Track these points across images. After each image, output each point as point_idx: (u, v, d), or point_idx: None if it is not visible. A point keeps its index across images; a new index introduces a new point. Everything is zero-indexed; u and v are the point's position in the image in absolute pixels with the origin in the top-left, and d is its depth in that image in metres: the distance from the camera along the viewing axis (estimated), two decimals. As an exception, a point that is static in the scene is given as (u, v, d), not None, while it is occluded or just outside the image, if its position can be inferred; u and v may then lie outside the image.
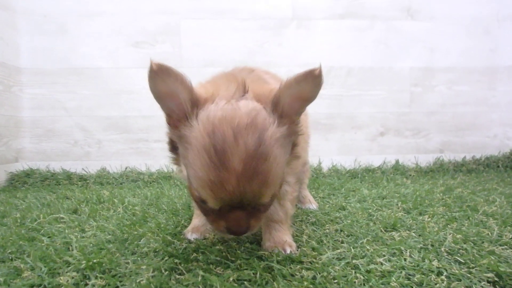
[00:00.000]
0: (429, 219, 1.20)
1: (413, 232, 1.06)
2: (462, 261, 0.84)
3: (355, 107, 2.40)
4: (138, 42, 2.25)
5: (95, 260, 0.84)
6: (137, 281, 0.76)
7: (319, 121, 2.36)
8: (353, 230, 1.09)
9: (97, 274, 0.80)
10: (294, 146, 0.85)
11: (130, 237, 1.05)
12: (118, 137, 2.28)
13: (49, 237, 1.06)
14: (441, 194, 1.57)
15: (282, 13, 2.32)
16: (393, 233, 1.05)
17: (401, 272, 0.79)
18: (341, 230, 1.10)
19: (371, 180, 2.02)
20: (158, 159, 2.28)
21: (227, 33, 2.30)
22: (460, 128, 2.50)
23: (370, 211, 1.32)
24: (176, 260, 0.87)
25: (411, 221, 1.17)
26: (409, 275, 0.78)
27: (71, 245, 0.98)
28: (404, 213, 1.29)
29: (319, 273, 0.78)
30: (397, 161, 2.40)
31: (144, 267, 0.83)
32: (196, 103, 0.74)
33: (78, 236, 1.06)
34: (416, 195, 1.56)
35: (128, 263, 0.86)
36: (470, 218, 1.19)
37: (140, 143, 2.30)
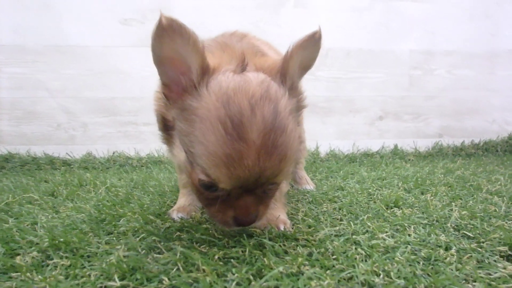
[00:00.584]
0: (432, 197, 1.14)
1: (416, 209, 1.00)
2: (471, 235, 0.78)
3: (353, 90, 2.32)
4: (126, 19, 2.13)
5: (61, 239, 0.75)
6: (108, 260, 0.66)
7: (317, 104, 2.27)
8: (353, 208, 1.02)
9: (62, 254, 0.70)
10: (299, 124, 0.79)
11: (108, 217, 0.96)
12: (105, 120, 2.17)
13: (16, 218, 0.96)
14: (442, 176, 1.51)
15: (279, -9, 2.21)
16: (395, 210, 0.98)
17: (406, 247, 0.72)
18: (339, 209, 1.02)
19: (370, 164, 1.95)
20: (148, 143, 2.17)
21: (222, 11, 2.19)
22: (459, 112, 2.45)
23: (369, 190, 1.24)
24: (155, 239, 0.77)
25: (413, 199, 1.10)
26: (415, 250, 0.72)
27: (38, 225, 0.88)
28: (405, 192, 1.23)
29: (316, 250, 0.70)
30: (395, 146, 2.33)
31: (119, 246, 0.74)
32: (206, 71, 0.67)
33: (49, 217, 0.96)
34: (416, 176, 1.49)
35: (100, 243, 0.77)
36: (475, 196, 1.12)
37: (129, 126, 2.19)
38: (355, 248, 0.71)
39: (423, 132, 2.41)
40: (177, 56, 0.65)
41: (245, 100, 0.63)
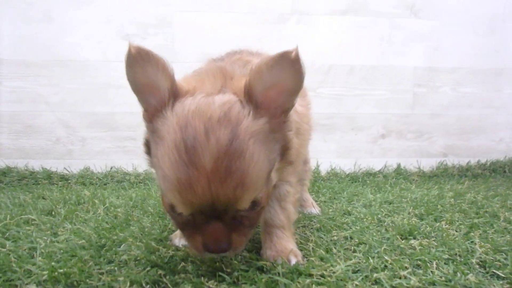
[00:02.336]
0: (447, 225, 1.08)
1: (433, 240, 0.95)
2: (501, 275, 0.72)
3: (356, 107, 2.29)
4: (128, 35, 2.11)
5: (61, 270, 0.70)
6: (109, 297, 0.62)
7: (318, 121, 2.24)
8: (365, 237, 0.97)
9: (62, 288, 0.66)
10: (286, 150, 0.74)
11: (109, 242, 0.92)
12: (103, 134, 2.13)
13: (13, 241, 0.92)
14: (453, 200, 1.45)
15: (281, 7, 2.20)
16: (412, 241, 0.93)
17: None
18: (350, 237, 0.98)
19: (373, 184, 1.91)
20: (146, 159, 2.12)
21: (223, 27, 2.17)
22: (464, 131, 2.40)
23: (379, 216, 1.20)
24: (160, 271, 0.73)
25: (428, 228, 1.05)
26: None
27: (37, 251, 0.83)
28: (418, 219, 1.17)
29: (336, 291, 0.65)
30: (398, 165, 2.29)
31: (121, 278, 0.70)
32: (175, 94, 0.66)
33: (48, 241, 0.92)
34: (425, 200, 1.44)
35: (102, 273, 0.72)
36: (493, 225, 1.07)
37: (127, 141, 2.15)
38: (378, 289, 0.66)
39: (427, 151, 2.37)
40: (150, 83, 0.66)
41: (201, 123, 0.62)
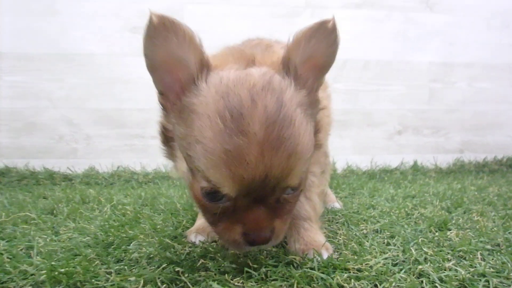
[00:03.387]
0: (479, 217, 1.00)
1: (469, 231, 0.86)
2: None
3: (371, 103, 2.23)
4: (136, 27, 2.04)
5: (62, 270, 0.61)
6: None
7: (333, 117, 2.16)
8: (396, 230, 0.90)
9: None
10: (317, 131, 0.69)
11: (117, 240, 0.83)
12: (110, 132, 2.04)
13: (8, 241, 0.83)
14: (477, 193, 1.39)
15: (295, 0, 2.14)
16: (447, 232, 0.85)
17: (485, 280, 0.58)
18: (381, 230, 0.91)
19: (391, 181, 1.83)
20: (155, 157, 2.01)
21: (235, 20, 2.10)
22: (481, 127, 2.35)
23: (405, 209, 1.11)
24: (177, 269, 0.65)
25: (460, 220, 0.97)
26: (498, 285, 0.58)
27: (34, 250, 0.75)
28: (445, 211, 1.10)
29: (378, 284, 0.57)
30: (415, 162, 2.22)
31: (132, 278, 0.62)
32: (206, 66, 0.61)
33: (48, 239, 0.83)
34: (449, 193, 1.37)
35: (110, 273, 0.64)
36: (526, 217, 1.00)
37: (136, 139, 2.06)
38: (423, 282, 0.58)
39: (443, 147, 2.31)
40: (172, 59, 0.60)
41: (245, 90, 0.58)
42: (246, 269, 0.63)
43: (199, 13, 2.06)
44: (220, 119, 0.55)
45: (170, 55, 0.59)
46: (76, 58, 1.99)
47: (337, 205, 1.22)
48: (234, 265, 0.65)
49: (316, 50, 0.62)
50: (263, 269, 0.63)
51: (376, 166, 2.16)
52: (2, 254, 0.73)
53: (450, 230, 0.90)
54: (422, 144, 2.28)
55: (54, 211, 1.18)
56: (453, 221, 0.97)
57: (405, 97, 2.24)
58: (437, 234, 0.87)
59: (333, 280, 0.58)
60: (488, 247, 0.77)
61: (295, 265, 0.66)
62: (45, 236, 0.87)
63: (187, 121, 0.60)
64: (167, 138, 0.70)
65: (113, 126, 2.04)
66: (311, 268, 0.62)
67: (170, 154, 0.71)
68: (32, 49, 1.96)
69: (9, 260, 0.70)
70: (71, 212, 1.14)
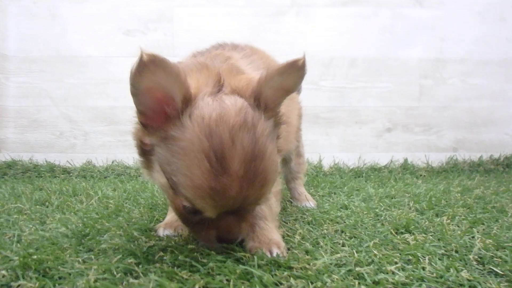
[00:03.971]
0: (448, 220, 1.03)
1: (431, 235, 0.89)
2: (500, 272, 0.67)
3: (358, 100, 2.23)
4: (129, 30, 2.12)
5: (34, 257, 0.69)
6: (77, 284, 0.60)
7: (319, 115, 2.19)
8: (357, 231, 0.93)
9: (31, 274, 0.64)
10: (277, 139, 0.77)
11: (93, 231, 0.90)
12: (105, 128, 2.15)
13: (0, 229, 0.91)
14: (459, 195, 1.39)
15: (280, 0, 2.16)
16: (406, 235, 0.88)
17: (420, 285, 0.62)
18: (342, 231, 0.94)
19: (377, 179, 1.85)
20: (148, 153, 2.13)
21: (222, 21, 2.16)
22: (475, 124, 2.31)
23: (376, 210, 1.15)
24: (135, 260, 0.71)
25: (427, 223, 0.99)
26: (434, 289, 0.61)
27: (18, 238, 0.83)
28: (418, 213, 1.12)
29: (312, 283, 0.62)
30: (405, 160, 2.21)
31: (95, 267, 0.68)
32: (189, 100, 0.67)
33: (33, 229, 0.91)
34: (429, 194, 1.38)
35: (78, 261, 0.70)
36: (499, 221, 1.01)
37: (128, 135, 2.11)
38: (358, 284, 0.62)
39: (436, 145, 2.29)
40: (156, 86, 0.64)
41: (226, 132, 0.65)
42: (194, 263, 0.68)
43: (187, 15, 2.14)
44: (206, 159, 0.63)
45: (155, 84, 0.63)
46: (74, 60, 2.11)
47: (310, 204, 1.26)
48: (187, 259, 0.71)
49: (286, 82, 0.70)
50: (211, 264, 0.68)
51: (363, 164, 2.18)
52: (-9, 241, 0.81)
53: (411, 233, 0.90)
54: (412, 142, 2.26)
55: (46, 203, 1.27)
56: (418, 224, 0.97)
57: (394, 94, 2.23)
58: (397, 236, 0.88)
59: (269, 277, 0.63)
60: (441, 251, 0.76)
61: (243, 262, 0.71)
62: (31, 226, 0.95)
63: (171, 152, 0.66)
64: (143, 151, 0.76)
65: (107, 123, 2.14)
66: (253, 266, 0.67)
67: (147, 165, 0.77)
68: (35, 52, 2.10)
69: (-4, 246, 0.77)
70: (60, 204, 1.23)
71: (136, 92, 0.66)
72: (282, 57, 2.03)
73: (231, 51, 1.02)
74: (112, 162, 2.11)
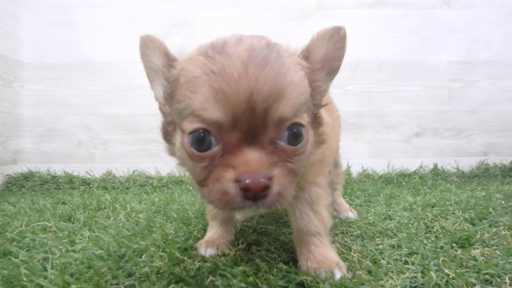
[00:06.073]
0: (506, 231, 0.94)
1: (495, 248, 0.81)
2: None
3: (387, 105, 2.16)
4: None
5: (74, 286, 0.62)
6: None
7: (347, 120, 2.12)
8: (414, 245, 0.85)
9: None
10: (317, 120, 0.67)
11: (129, 252, 0.84)
12: (125, 137, 2.08)
13: (27, 251, 0.85)
14: (503, 202, 1.30)
15: (305, 2, 2.11)
16: (471, 250, 0.80)
17: None
18: (398, 246, 0.86)
19: (409, 186, 1.77)
20: (169, 161, 2.04)
21: (244, 25, 2.10)
22: (505, 127, 2.24)
23: (425, 221, 1.07)
24: (185, 287, 0.64)
25: (486, 234, 0.91)
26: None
27: (49, 263, 0.76)
28: (469, 224, 1.04)
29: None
30: (435, 165, 2.14)
31: (142, 296, 0.61)
32: (173, 56, 0.67)
33: (63, 250, 0.85)
34: (472, 202, 1.30)
35: (120, 289, 0.64)
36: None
37: (150, 144, 2.09)
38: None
39: (466, 150, 2.22)
40: (153, 64, 0.68)
41: (232, 37, 0.60)
42: (253, 289, 0.62)
43: (209, 18, 2.07)
44: (203, 56, 0.57)
45: (151, 64, 0.68)
46: (91, 66, 2.05)
47: (352, 215, 1.19)
48: (243, 284, 0.64)
49: (329, 52, 0.66)
50: (272, 289, 0.62)
51: (393, 170, 2.10)
52: (20, 265, 0.74)
53: (474, 247, 0.83)
54: (442, 147, 2.20)
55: (72, 218, 1.21)
56: (477, 236, 0.90)
57: (422, 98, 2.17)
58: (459, 251, 0.81)
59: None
60: None
61: (306, 286, 0.64)
62: (61, 247, 0.88)
63: (176, 96, 0.61)
64: (168, 133, 0.71)
65: (128, 131, 2.08)
66: (322, 292, 0.60)
67: (172, 149, 0.71)
68: (51, 59, 2.04)
69: (26, 272, 0.71)
70: (87, 220, 1.16)
71: (147, 76, 0.70)
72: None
73: None
74: (133, 172, 2.04)
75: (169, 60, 0.66)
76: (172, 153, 0.72)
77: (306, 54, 0.65)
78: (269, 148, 0.54)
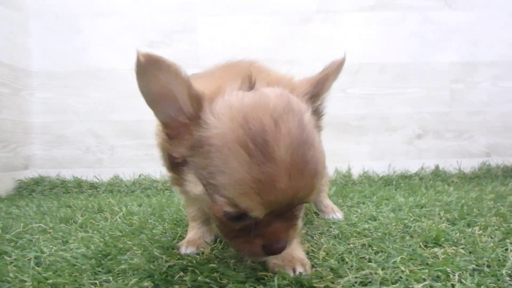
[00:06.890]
0: (481, 231, 0.97)
1: (461, 248, 0.84)
2: None
3: (388, 107, 2.17)
4: (153, 42, 2.14)
5: (50, 281, 0.68)
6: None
7: (349, 123, 2.14)
8: (385, 245, 0.88)
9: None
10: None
11: (114, 251, 0.89)
12: (131, 142, 2.16)
13: (21, 250, 0.91)
14: (492, 202, 1.32)
15: (306, 6, 2.15)
16: (436, 249, 0.83)
17: None
18: (369, 245, 0.89)
19: (407, 188, 1.78)
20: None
21: (247, 29, 2.15)
22: (508, 128, 2.22)
23: (406, 221, 1.09)
24: (152, 283, 0.69)
25: (458, 234, 0.94)
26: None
27: (38, 260, 0.82)
28: (449, 224, 1.06)
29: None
30: (437, 167, 2.14)
31: (111, 290, 0.66)
32: (200, 98, 0.60)
33: (53, 249, 0.91)
34: (461, 203, 1.32)
35: (95, 284, 0.69)
36: (537, 231, 0.94)
37: (155, 149, 2.15)
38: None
39: (468, 151, 2.20)
40: (164, 90, 0.60)
41: (266, 114, 0.56)
42: (213, 285, 0.66)
43: (212, 24, 2.13)
44: (243, 148, 0.55)
45: (163, 88, 0.60)
46: (98, 74, 2.12)
47: (337, 216, 1.22)
48: (207, 280, 0.68)
49: (332, 83, 0.70)
50: (231, 285, 0.66)
51: (394, 171, 2.11)
52: (11, 263, 0.81)
53: (441, 246, 0.85)
54: (444, 148, 2.19)
55: (71, 220, 1.27)
56: (448, 236, 0.92)
57: (424, 99, 2.17)
58: (426, 250, 0.84)
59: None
60: (472, 266, 0.71)
61: (264, 282, 0.68)
62: (53, 246, 0.94)
63: (203, 154, 0.59)
64: (174, 164, 0.69)
65: (134, 137, 2.15)
66: (273, 286, 0.64)
67: (178, 180, 0.70)
68: (59, 67, 2.12)
69: (15, 269, 0.77)
70: (84, 221, 1.22)
71: (149, 100, 0.62)
72: (309, 65, 2.00)
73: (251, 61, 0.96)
74: (139, 176, 2.11)
75: (193, 96, 0.60)
76: (177, 183, 0.72)
77: (316, 91, 0.68)
78: (289, 217, 0.64)
